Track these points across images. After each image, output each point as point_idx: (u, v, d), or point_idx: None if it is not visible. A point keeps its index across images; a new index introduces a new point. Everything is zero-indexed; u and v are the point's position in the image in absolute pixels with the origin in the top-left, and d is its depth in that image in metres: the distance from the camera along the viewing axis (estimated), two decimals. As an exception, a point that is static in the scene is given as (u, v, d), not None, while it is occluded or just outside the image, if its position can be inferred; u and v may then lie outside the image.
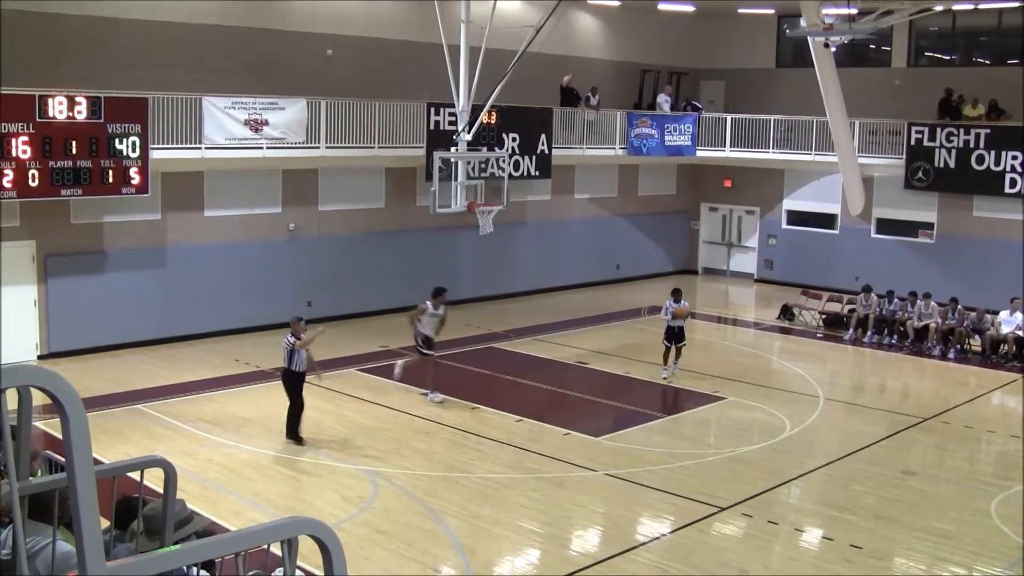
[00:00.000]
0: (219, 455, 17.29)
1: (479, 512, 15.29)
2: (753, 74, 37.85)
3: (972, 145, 32.20)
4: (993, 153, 31.88)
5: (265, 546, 3.95)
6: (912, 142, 33.23)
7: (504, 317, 28.94)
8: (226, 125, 23.86)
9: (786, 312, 31.17)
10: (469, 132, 23.67)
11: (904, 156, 33.51)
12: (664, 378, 23.10)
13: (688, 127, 34.91)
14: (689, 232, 39.36)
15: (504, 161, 26.53)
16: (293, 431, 17.98)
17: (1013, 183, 31.74)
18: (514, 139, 28.69)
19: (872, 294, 29.33)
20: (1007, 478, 18.14)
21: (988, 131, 32.04)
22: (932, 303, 28.47)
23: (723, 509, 15.74)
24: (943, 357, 27.17)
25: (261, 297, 26.25)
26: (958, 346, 27.52)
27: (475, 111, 23.73)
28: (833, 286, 32.76)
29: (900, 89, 34.75)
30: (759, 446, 19.11)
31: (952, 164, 32.62)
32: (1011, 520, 15.75)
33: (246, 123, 24.16)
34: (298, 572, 4.50)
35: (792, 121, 34.82)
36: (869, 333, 28.80)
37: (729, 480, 17.05)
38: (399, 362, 21.67)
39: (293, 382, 18.01)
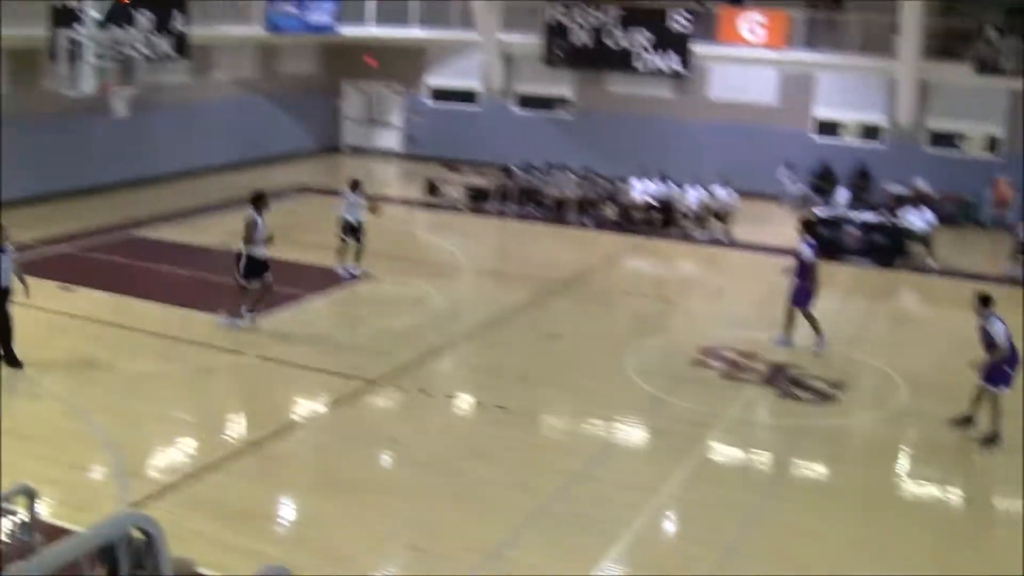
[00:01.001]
0: None
1: (128, 406, 14.88)
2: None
3: (605, 24, 33.41)
4: (625, 32, 33.28)
5: None
6: (550, 20, 34.13)
7: (145, 203, 27.98)
8: None
9: (431, 187, 31.61)
10: (98, 10, 22.56)
11: (542, 33, 34.39)
12: (345, 278, 21.82)
13: (330, 5, 34.41)
14: (333, 110, 39.10)
15: (137, 41, 25.43)
16: (10, 356, 15.87)
17: (643, 60, 33.27)
18: (147, 17, 27.32)
19: (513, 168, 30.15)
20: (639, 335, 19.34)
21: (621, 11, 33.32)
22: (570, 174, 29.65)
23: (376, 382, 16.04)
24: (580, 225, 28.39)
25: None
26: (594, 214, 28.81)
27: (104, -13, 22.64)
28: (476, 160, 33.47)
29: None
30: (409, 319, 19.49)
31: (588, 42, 33.76)
32: (642, 373, 16.90)
33: None
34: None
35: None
36: (511, 205, 29.65)
37: (380, 354, 17.32)
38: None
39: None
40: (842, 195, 27.69)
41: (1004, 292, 23.76)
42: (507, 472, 13.12)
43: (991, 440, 14.69)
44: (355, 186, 22.33)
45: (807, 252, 18.38)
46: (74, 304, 19.25)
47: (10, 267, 15.68)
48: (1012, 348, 14.67)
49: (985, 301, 15.06)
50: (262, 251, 18.24)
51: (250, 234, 18.14)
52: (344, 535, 11.41)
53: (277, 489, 12.73)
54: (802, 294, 18.37)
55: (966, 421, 15.10)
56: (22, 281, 15.89)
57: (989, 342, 14.74)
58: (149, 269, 22.11)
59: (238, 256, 18.23)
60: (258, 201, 18.44)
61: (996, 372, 14.67)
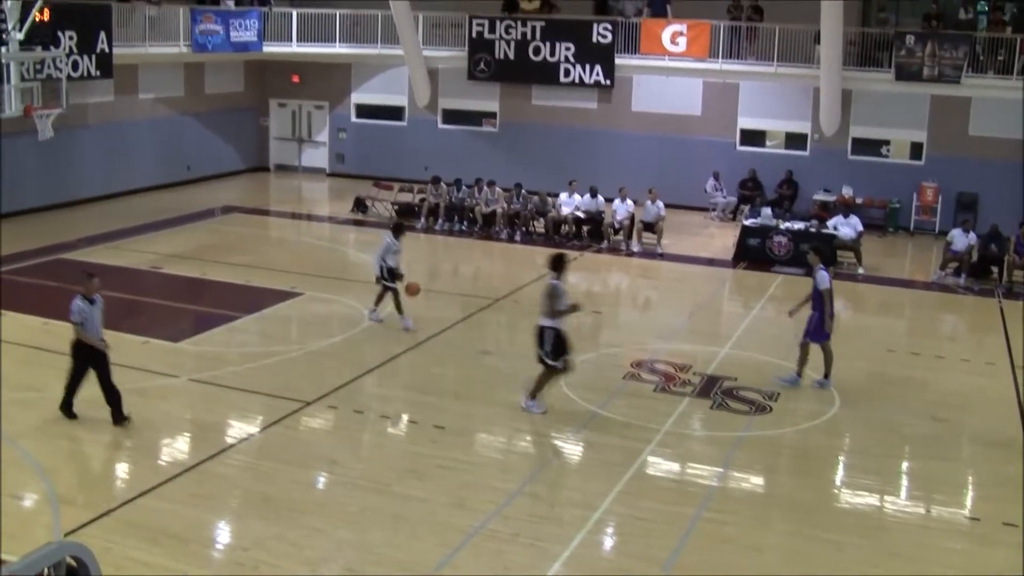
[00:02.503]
0: None
1: (58, 431, 14.69)
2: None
3: (529, 37, 33.56)
4: (548, 44, 33.44)
5: None
6: (473, 34, 34.22)
7: (72, 226, 27.65)
8: None
9: (359, 205, 31.52)
10: (20, 30, 22.28)
11: (466, 48, 34.48)
12: (376, 320, 20.41)
13: (254, 22, 34.23)
14: (259, 129, 38.86)
15: (61, 61, 25.18)
16: (118, 412, 15.00)
17: (567, 72, 33.41)
18: (71, 37, 26.97)
19: (441, 183, 30.08)
20: (572, 349, 19.28)
21: (543, 23, 33.48)
22: (497, 189, 29.63)
23: (309, 403, 15.92)
24: (510, 240, 28.44)
25: None
26: (523, 229, 28.86)
27: (26, 7, 22.32)
28: (403, 177, 33.43)
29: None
30: (340, 338, 19.37)
31: (511, 55, 33.88)
32: (576, 387, 16.89)
33: None
34: None
35: (358, 15, 34.95)
36: (440, 221, 29.60)
37: (313, 374, 17.22)
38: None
39: (87, 350, 14.94)
40: (765, 211, 27.83)
41: (934, 297, 24.28)
42: (443, 491, 13.07)
43: None
44: (398, 230, 20.36)
45: (824, 279, 16.92)
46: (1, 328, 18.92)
47: (100, 320, 15.21)
48: None
49: None
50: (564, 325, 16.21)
51: (554, 305, 15.58)
52: (281, 558, 11.31)
53: (213, 513, 12.59)
54: (821, 327, 17.02)
55: None
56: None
57: None
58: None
59: (541, 331, 15.66)
60: (558, 265, 15.74)
61: None
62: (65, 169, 30.11)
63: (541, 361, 15.65)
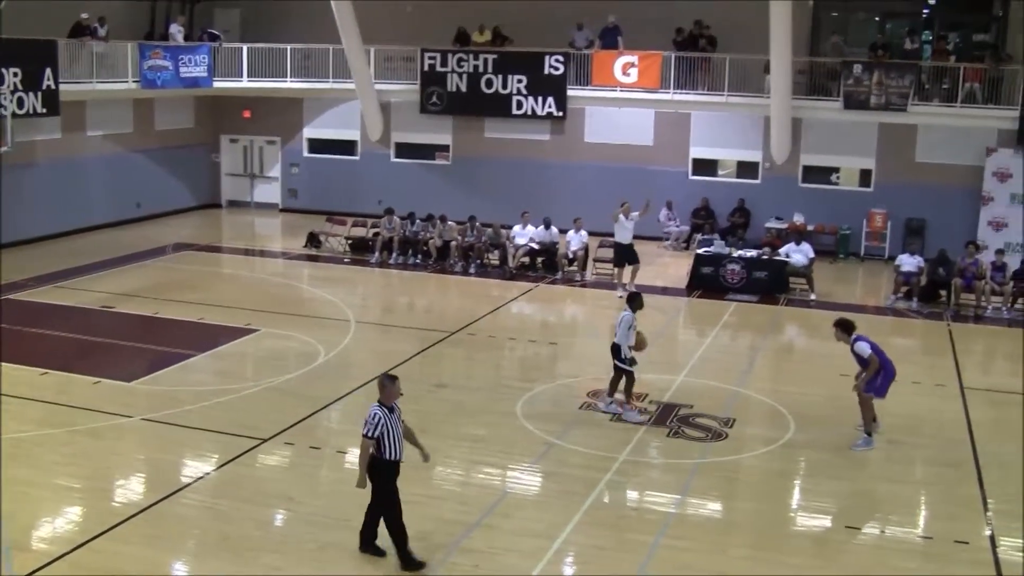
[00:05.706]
0: None
1: (10, 475, 14.44)
2: (268, 3, 37.39)
3: (481, 70, 33.71)
4: (500, 77, 33.60)
5: None
6: (426, 68, 34.32)
7: (19, 265, 27.32)
8: None
9: (312, 240, 31.40)
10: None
11: (418, 81, 34.56)
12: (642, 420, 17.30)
13: (203, 58, 34.06)
14: (210, 165, 38.67)
15: (5, 98, 25.01)
16: (371, 540, 12.35)
17: (520, 105, 33.56)
18: (15, 74, 26.72)
19: (394, 216, 30.05)
20: (528, 380, 19.29)
21: (495, 56, 33.64)
22: (451, 222, 29.61)
23: (265, 440, 15.80)
24: (465, 273, 28.41)
25: None
26: (478, 261, 28.85)
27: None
28: (357, 211, 33.42)
29: (412, 17, 35.51)
30: (296, 374, 19.26)
31: (464, 88, 34.01)
32: (533, 418, 16.99)
33: None
34: None
35: (309, 49, 34.97)
36: (394, 255, 29.56)
37: (269, 411, 17.09)
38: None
39: (388, 473, 12.04)
40: (716, 242, 28.04)
41: (885, 322, 24.45)
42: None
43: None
44: (634, 301, 17.67)
45: (864, 348, 16.18)
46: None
47: (401, 433, 12.17)
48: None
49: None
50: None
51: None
52: (239, 599, 11.21)
53: (170, 554, 12.43)
54: (885, 382, 16.33)
55: None
56: (418, 446, 12.70)
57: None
58: (26, 333, 21.57)
59: None
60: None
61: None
62: (12, 208, 29.69)
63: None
